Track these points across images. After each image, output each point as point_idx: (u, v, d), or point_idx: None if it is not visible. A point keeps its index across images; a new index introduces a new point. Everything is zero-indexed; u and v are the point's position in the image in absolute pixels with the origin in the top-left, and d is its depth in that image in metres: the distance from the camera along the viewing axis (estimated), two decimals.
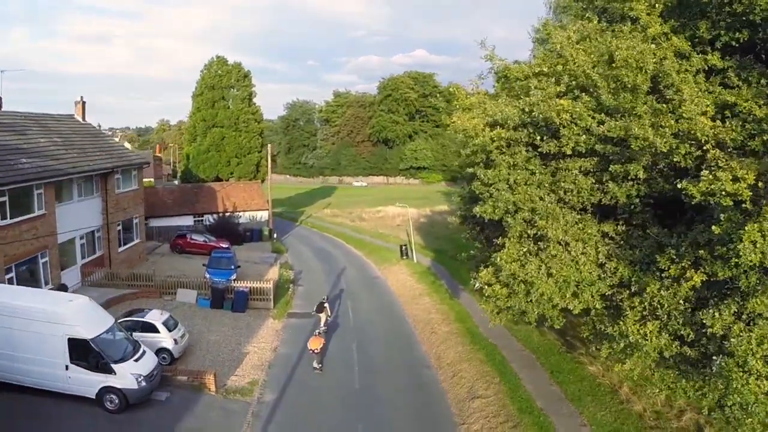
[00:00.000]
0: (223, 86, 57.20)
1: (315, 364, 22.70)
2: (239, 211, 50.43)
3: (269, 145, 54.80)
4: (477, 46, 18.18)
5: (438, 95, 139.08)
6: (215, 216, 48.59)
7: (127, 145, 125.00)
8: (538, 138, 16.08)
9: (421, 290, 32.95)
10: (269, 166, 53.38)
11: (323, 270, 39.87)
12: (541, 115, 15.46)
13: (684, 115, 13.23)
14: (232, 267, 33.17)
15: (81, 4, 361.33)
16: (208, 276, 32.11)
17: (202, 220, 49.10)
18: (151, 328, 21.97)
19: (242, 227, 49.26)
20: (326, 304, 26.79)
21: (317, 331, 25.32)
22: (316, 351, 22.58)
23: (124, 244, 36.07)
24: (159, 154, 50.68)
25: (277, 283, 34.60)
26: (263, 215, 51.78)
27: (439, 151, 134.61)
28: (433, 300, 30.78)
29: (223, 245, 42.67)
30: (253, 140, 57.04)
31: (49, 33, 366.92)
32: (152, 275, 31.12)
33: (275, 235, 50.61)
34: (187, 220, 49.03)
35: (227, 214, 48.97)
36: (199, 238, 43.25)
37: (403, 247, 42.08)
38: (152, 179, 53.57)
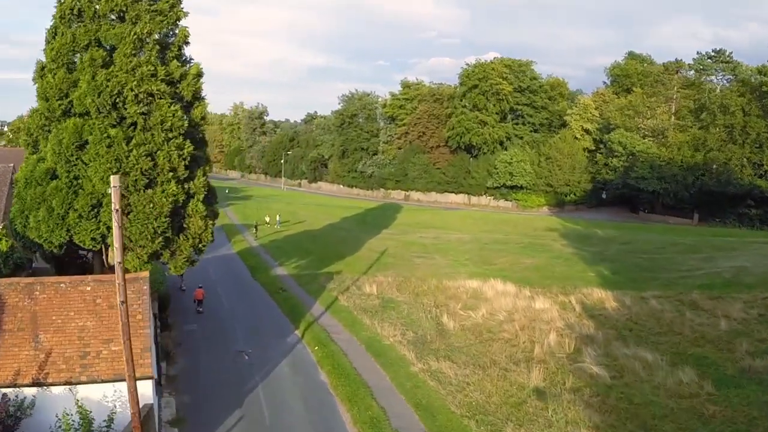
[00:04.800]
0: (100, 15, 22.64)
1: (199, 308, 31.20)
2: (53, 384, 15.60)
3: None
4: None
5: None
6: None
7: None
8: None
9: None
10: None
11: None
12: None
13: None
14: None
15: None
16: None
17: None
18: None
19: None
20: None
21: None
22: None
23: None
24: None
25: None
26: (119, 398, 16.47)
27: (542, 165, 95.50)
28: None
29: None
30: (170, 149, 21.86)
31: None
32: None
33: None
34: None
35: None
36: None
37: None
38: None
